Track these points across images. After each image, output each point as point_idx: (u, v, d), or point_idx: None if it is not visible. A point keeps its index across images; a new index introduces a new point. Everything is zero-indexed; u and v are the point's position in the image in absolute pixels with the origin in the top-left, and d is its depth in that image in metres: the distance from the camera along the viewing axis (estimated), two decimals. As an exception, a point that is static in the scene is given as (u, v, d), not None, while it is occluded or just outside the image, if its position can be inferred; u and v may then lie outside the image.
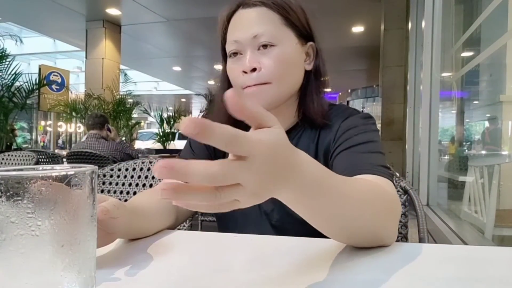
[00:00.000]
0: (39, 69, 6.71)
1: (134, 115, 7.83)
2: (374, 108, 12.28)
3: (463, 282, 0.44)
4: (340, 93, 16.28)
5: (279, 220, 0.75)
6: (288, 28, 0.73)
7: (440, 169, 3.45)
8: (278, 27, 0.72)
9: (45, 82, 5.93)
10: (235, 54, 0.74)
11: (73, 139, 15.23)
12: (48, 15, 6.77)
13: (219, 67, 0.84)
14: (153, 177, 1.16)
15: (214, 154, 0.83)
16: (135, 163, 1.20)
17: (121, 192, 1.17)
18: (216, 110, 0.78)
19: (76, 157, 3.03)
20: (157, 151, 5.80)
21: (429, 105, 3.32)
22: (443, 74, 3.40)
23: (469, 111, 3.85)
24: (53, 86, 7.05)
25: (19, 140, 8.09)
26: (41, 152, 3.41)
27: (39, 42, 11.12)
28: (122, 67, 7.75)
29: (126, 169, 1.20)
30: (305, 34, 0.76)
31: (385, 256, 0.53)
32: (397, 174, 0.96)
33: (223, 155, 0.32)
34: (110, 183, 1.19)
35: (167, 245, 0.62)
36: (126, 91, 7.35)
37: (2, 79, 4.83)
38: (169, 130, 7.64)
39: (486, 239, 2.08)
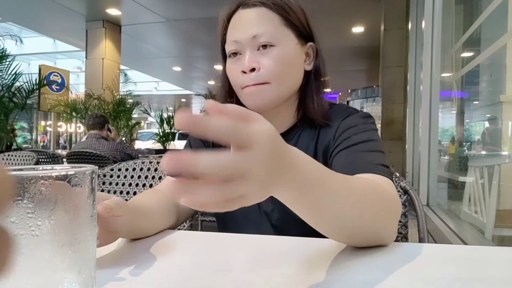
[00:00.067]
0: (39, 69, 6.70)
1: (134, 115, 7.83)
2: (374, 108, 12.28)
3: (463, 282, 0.44)
4: (340, 93, 16.28)
5: (279, 220, 0.75)
6: (288, 28, 0.73)
7: (440, 169, 3.45)
8: (278, 27, 0.72)
9: (45, 82, 5.93)
10: (234, 54, 0.74)
11: (73, 139, 15.24)
12: (48, 15, 6.77)
13: (219, 67, 0.84)
14: (153, 177, 1.16)
15: None
16: (135, 163, 1.21)
17: (121, 192, 1.17)
18: None
19: (76, 157, 3.03)
20: (157, 151, 5.80)
21: (429, 105, 3.32)
22: (443, 74, 3.40)
23: (469, 111, 3.85)
24: (53, 86, 7.04)
25: (19, 140, 8.10)
26: (41, 152, 3.41)
27: (39, 42, 11.12)
28: (122, 67, 7.76)
29: (126, 169, 1.20)
30: (305, 35, 0.76)
31: (385, 256, 0.53)
32: (397, 174, 0.96)
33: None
34: (110, 183, 1.19)
35: (169, 245, 0.62)
36: (126, 91, 7.35)
37: (2, 79, 4.83)
38: (169, 130, 7.63)
39: (486, 239, 2.08)
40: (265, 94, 0.71)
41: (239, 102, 0.76)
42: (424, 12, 3.42)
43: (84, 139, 3.39)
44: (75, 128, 14.01)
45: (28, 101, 5.23)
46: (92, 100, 6.52)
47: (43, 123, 15.83)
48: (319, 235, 0.60)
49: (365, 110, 0.90)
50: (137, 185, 1.17)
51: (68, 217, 0.33)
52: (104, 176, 1.20)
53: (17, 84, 4.98)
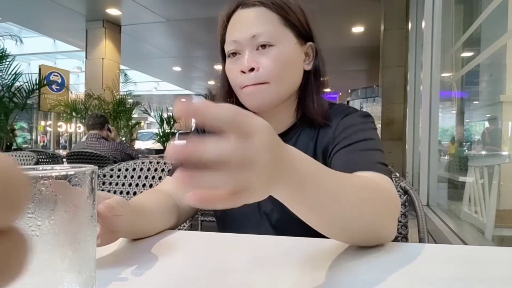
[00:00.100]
0: (39, 69, 6.70)
1: (134, 115, 7.83)
2: (374, 108, 12.28)
3: (463, 282, 0.44)
4: (340, 93, 16.28)
5: (278, 220, 0.75)
6: (287, 28, 0.73)
7: (440, 169, 3.45)
8: (277, 27, 0.72)
9: (45, 82, 5.93)
10: (234, 54, 0.74)
11: (73, 139, 15.24)
12: (48, 15, 6.77)
13: (219, 67, 0.84)
14: (153, 177, 1.16)
15: None
16: (135, 163, 1.21)
17: (121, 192, 1.17)
18: None
19: (76, 157, 3.03)
20: (157, 151, 5.80)
21: (429, 105, 3.32)
22: (443, 74, 3.40)
23: (469, 111, 3.85)
24: (53, 86, 7.04)
25: (19, 140, 8.09)
26: (41, 152, 3.41)
27: (39, 42, 11.12)
28: (122, 67, 7.75)
29: (126, 169, 1.20)
30: (304, 34, 0.76)
31: (385, 256, 0.53)
32: (397, 174, 0.96)
33: None
34: (110, 183, 1.19)
35: (169, 245, 0.62)
36: (126, 91, 7.35)
37: (3, 79, 4.82)
38: (169, 130, 7.63)
39: (486, 240, 2.08)
40: (264, 94, 0.71)
41: (238, 102, 0.76)
42: (424, 12, 3.42)
43: (84, 139, 3.39)
44: (75, 128, 14.01)
45: (28, 101, 5.22)
46: (92, 100, 6.51)
47: (43, 123, 15.83)
48: (318, 235, 0.60)
49: (364, 110, 0.89)
50: (137, 185, 1.17)
51: (68, 217, 0.33)
52: (104, 176, 1.20)
53: (17, 84, 4.97)
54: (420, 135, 3.55)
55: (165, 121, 7.63)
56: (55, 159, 3.32)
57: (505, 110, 2.75)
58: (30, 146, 13.23)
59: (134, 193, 1.17)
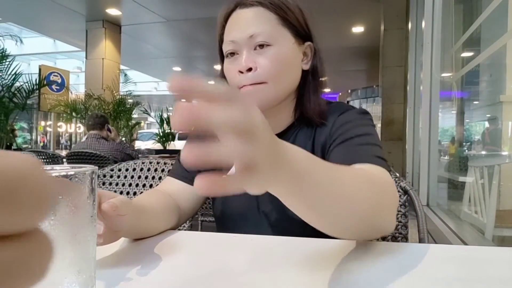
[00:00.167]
0: (39, 70, 6.70)
1: (134, 116, 7.83)
2: (374, 108, 12.29)
3: (463, 282, 0.44)
4: (340, 94, 16.29)
5: (277, 220, 0.75)
6: (285, 28, 0.73)
7: (440, 170, 3.44)
8: (275, 27, 0.72)
9: (45, 82, 5.93)
10: (232, 54, 0.74)
11: (73, 139, 15.25)
12: (48, 15, 6.77)
13: (219, 67, 0.84)
14: (153, 177, 1.16)
15: None
16: (135, 163, 1.21)
17: (121, 192, 1.17)
18: None
19: (76, 157, 3.03)
20: (157, 152, 5.80)
21: (429, 105, 3.32)
22: (443, 74, 3.40)
23: (469, 111, 3.85)
24: (53, 87, 7.04)
25: (19, 140, 8.09)
26: (41, 152, 3.41)
27: (39, 42, 11.13)
28: (122, 67, 7.75)
29: (126, 169, 1.20)
30: (302, 34, 0.76)
31: (385, 256, 0.53)
32: (397, 174, 0.96)
33: None
34: (110, 183, 1.19)
35: (171, 246, 0.62)
36: (126, 91, 7.35)
37: (2, 80, 4.82)
38: (169, 131, 7.63)
39: (486, 240, 2.07)
40: (262, 94, 0.71)
41: None
42: (424, 12, 3.42)
43: (84, 139, 3.39)
44: (75, 129, 14.01)
45: (28, 101, 5.22)
46: (92, 100, 6.52)
47: (43, 123, 15.83)
48: (317, 235, 0.60)
49: (363, 108, 0.89)
50: (137, 185, 1.17)
51: (68, 217, 0.33)
52: (104, 176, 1.20)
53: (17, 84, 4.98)
54: (420, 135, 3.55)
55: (165, 121, 7.63)
56: (55, 159, 3.32)
57: (505, 110, 2.75)
58: (30, 147, 13.23)
59: (134, 193, 1.17)
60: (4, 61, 4.83)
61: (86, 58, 7.19)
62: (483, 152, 3.36)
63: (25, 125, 15.15)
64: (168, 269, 0.51)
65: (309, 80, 0.77)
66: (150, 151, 5.70)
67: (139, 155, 3.48)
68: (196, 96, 0.28)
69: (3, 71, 4.83)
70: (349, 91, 15.65)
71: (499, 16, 2.36)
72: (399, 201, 0.88)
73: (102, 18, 6.82)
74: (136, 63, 10.58)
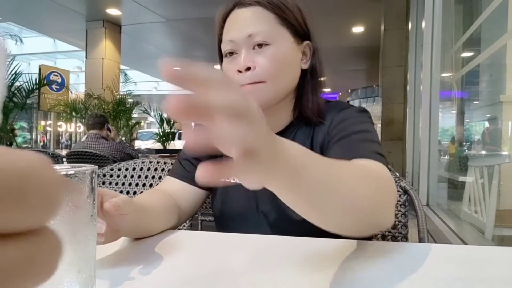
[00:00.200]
0: (39, 69, 6.70)
1: (134, 115, 7.82)
2: (374, 108, 12.28)
3: (463, 282, 0.44)
4: (340, 93, 16.28)
5: (276, 219, 0.75)
6: (284, 27, 0.73)
7: (440, 169, 3.45)
8: (273, 26, 0.72)
9: (45, 82, 5.93)
10: (230, 53, 0.74)
11: (73, 139, 15.25)
12: (48, 15, 6.77)
13: (218, 67, 0.84)
14: (153, 177, 1.16)
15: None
16: (135, 163, 1.21)
17: (121, 192, 1.17)
18: None
19: (76, 157, 3.03)
20: (157, 151, 5.80)
21: (429, 105, 3.32)
22: (443, 74, 3.40)
23: (469, 111, 3.85)
24: (53, 86, 7.04)
25: (19, 140, 8.09)
26: (41, 152, 3.41)
27: (39, 42, 11.13)
28: (122, 67, 7.75)
29: (126, 169, 1.20)
30: (301, 33, 0.76)
31: (385, 256, 0.53)
32: (397, 174, 0.96)
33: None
34: (110, 183, 1.19)
35: (172, 245, 0.62)
36: (126, 91, 7.34)
37: (2, 79, 4.82)
38: (169, 130, 7.63)
39: (486, 239, 2.07)
40: (261, 93, 0.71)
41: None
42: (424, 12, 3.42)
43: (84, 139, 3.39)
44: (75, 128, 14.01)
45: (28, 101, 5.22)
46: (92, 100, 6.51)
47: (43, 123, 15.83)
48: (317, 235, 0.60)
49: (361, 106, 0.88)
50: (137, 185, 1.17)
51: (68, 216, 0.33)
52: (104, 176, 1.20)
53: (17, 83, 4.98)
54: (420, 135, 3.55)
55: (165, 121, 7.62)
56: (55, 159, 3.32)
57: (505, 110, 2.75)
58: (30, 146, 13.22)
59: (134, 193, 1.17)
60: (4, 60, 4.83)
61: (86, 57, 7.18)
62: (483, 152, 3.37)
63: (25, 125, 15.15)
64: (168, 268, 0.51)
65: (308, 79, 0.77)
66: (150, 151, 5.70)
67: (139, 155, 3.48)
68: (190, 81, 0.27)
69: (3, 70, 4.82)
70: (349, 91, 15.65)
71: (499, 16, 2.36)
72: (399, 201, 0.88)
73: (102, 18, 6.82)
74: (136, 63, 10.58)
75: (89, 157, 2.95)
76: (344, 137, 0.68)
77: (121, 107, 6.71)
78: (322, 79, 0.80)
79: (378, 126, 5.11)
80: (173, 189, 0.80)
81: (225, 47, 0.74)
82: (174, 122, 7.52)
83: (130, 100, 7.21)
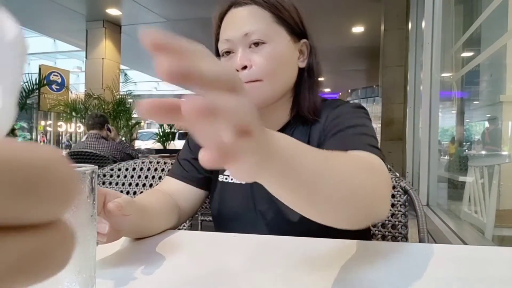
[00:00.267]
0: (39, 69, 6.70)
1: (134, 115, 7.82)
2: (374, 108, 12.27)
3: (463, 282, 0.44)
4: (340, 93, 16.28)
5: (273, 219, 0.75)
6: (280, 25, 0.73)
7: (440, 169, 3.45)
8: (270, 25, 0.72)
9: (45, 82, 5.93)
10: (227, 53, 0.74)
11: (73, 139, 15.25)
12: (48, 15, 6.77)
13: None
14: (153, 177, 1.16)
15: None
16: (135, 163, 1.20)
17: (121, 192, 1.17)
18: None
19: (76, 157, 3.03)
20: (157, 151, 5.80)
21: (429, 105, 3.32)
22: (443, 74, 3.40)
23: (469, 111, 3.85)
24: (53, 86, 7.04)
25: (19, 140, 8.08)
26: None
27: (39, 42, 11.13)
28: (122, 67, 7.75)
29: (126, 169, 1.20)
30: (298, 32, 0.76)
31: (385, 256, 0.53)
32: (397, 174, 0.96)
33: None
34: (110, 183, 1.19)
35: (173, 245, 0.62)
36: (126, 91, 7.34)
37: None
38: (169, 130, 7.63)
39: (486, 239, 2.07)
40: (258, 92, 0.70)
41: None
42: (424, 12, 3.42)
43: (84, 139, 3.39)
44: (75, 128, 14.01)
45: (28, 101, 5.23)
46: (92, 100, 6.51)
47: (43, 123, 15.83)
48: (315, 235, 0.60)
49: (358, 103, 0.87)
50: (137, 185, 1.17)
51: (67, 217, 0.33)
52: (104, 176, 1.20)
53: (17, 84, 4.97)
54: (420, 135, 3.55)
55: (165, 121, 7.61)
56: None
57: (505, 110, 2.75)
58: (30, 146, 13.18)
59: (134, 193, 1.17)
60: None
61: (86, 58, 7.18)
62: (483, 152, 3.37)
63: (25, 125, 15.15)
64: (168, 268, 0.51)
65: (305, 78, 0.77)
66: (150, 151, 5.70)
67: (139, 155, 3.48)
68: (175, 53, 0.26)
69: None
70: (349, 91, 15.64)
71: (499, 16, 2.36)
72: (399, 201, 0.88)
73: (102, 18, 6.82)
74: (136, 63, 10.57)
75: (89, 157, 2.95)
76: (339, 131, 0.68)
77: (121, 107, 6.71)
78: (319, 78, 0.80)
79: (378, 126, 5.11)
80: (173, 189, 0.80)
81: (222, 46, 0.74)
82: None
83: (130, 100, 7.21)
